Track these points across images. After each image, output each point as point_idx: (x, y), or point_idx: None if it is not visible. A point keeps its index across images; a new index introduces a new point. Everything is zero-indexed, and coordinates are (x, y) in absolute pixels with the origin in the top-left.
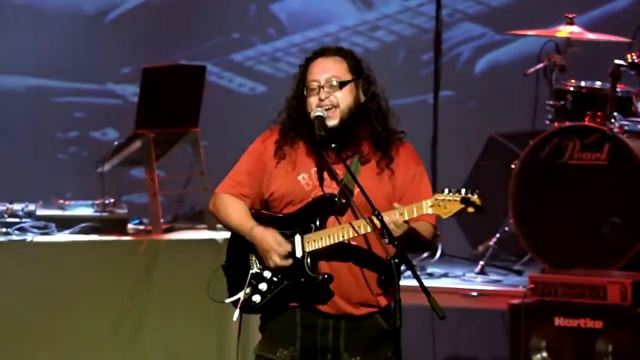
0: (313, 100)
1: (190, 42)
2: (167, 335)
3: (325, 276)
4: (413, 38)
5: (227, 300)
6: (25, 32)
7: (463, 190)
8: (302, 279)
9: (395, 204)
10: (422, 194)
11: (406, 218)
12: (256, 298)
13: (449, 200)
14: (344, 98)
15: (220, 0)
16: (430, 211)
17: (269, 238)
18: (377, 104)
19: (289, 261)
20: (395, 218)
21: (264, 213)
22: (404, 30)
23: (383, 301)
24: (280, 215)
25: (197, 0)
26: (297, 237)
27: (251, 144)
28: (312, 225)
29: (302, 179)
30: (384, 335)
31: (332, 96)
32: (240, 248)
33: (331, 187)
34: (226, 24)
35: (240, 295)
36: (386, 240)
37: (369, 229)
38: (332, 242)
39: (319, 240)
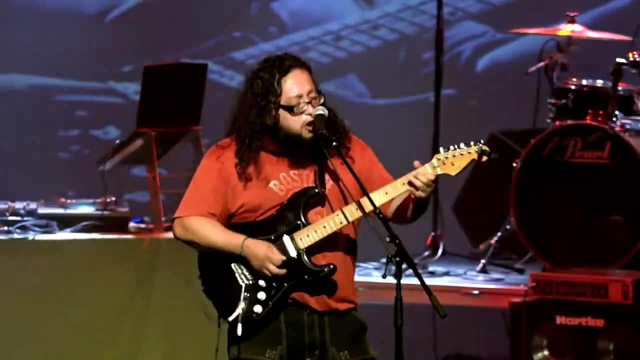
0: (298, 118)
1: (192, 41)
2: (168, 333)
3: (331, 267)
4: (414, 36)
5: (230, 319)
6: (26, 31)
7: (462, 144)
8: (306, 276)
9: (416, 162)
10: (384, 174)
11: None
12: (257, 308)
13: (455, 156)
14: (322, 107)
15: None
16: (439, 171)
17: (263, 249)
18: (332, 108)
19: (284, 271)
20: (428, 174)
21: (241, 222)
22: (406, 29)
23: (356, 298)
24: (259, 221)
25: None
26: (286, 238)
27: (203, 163)
28: (299, 223)
29: (274, 186)
30: (362, 330)
31: (315, 107)
32: (219, 266)
33: (309, 183)
34: (227, 22)
35: (239, 311)
36: (387, 239)
37: (360, 214)
38: (324, 235)
39: (312, 235)
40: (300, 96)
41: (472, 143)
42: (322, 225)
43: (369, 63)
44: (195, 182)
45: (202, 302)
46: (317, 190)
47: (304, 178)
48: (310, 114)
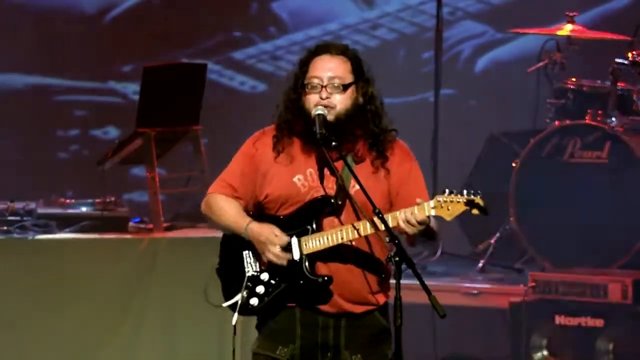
0: (312, 98)
1: (191, 40)
2: (167, 333)
3: (325, 278)
4: (414, 36)
5: (225, 305)
6: (26, 31)
7: (465, 192)
8: (302, 281)
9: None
10: (417, 190)
11: (409, 220)
12: (254, 301)
13: (452, 202)
14: (343, 101)
15: None
16: (433, 212)
17: (265, 230)
18: (374, 106)
19: (288, 255)
20: (422, 215)
21: (258, 215)
22: (405, 29)
23: (381, 299)
24: (276, 217)
25: None
26: (294, 239)
27: (242, 146)
28: (309, 228)
29: (298, 181)
30: (383, 333)
31: (332, 97)
32: (233, 250)
33: (329, 187)
34: (227, 22)
35: (238, 298)
36: (387, 239)
37: (368, 231)
38: (330, 244)
39: (316, 242)
40: (317, 77)
41: (471, 192)
42: (327, 235)
43: (368, 63)
44: (231, 162)
45: (206, 285)
46: (332, 201)
47: (328, 180)
48: (322, 98)
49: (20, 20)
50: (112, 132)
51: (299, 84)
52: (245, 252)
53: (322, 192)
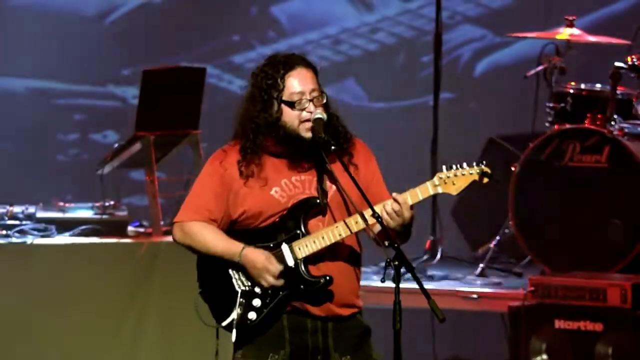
0: (297, 114)
1: (191, 44)
2: (166, 337)
3: (327, 278)
4: (413, 40)
5: (224, 324)
6: (25, 34)
7: (465, 164)
8: (302, 286)
9: (394, 194)
10: (381, 188)
11: (410, 203)
12: (252, 315)
13: (457, 176)
14: (322, 110)
15: (221, 2)
16: (440, 190)
17: (260, 259)
18: (336, 112)
19: (281, 281)
20: (401, 203)
21: (241, 229)
22: (404, 32)
23: (360, 302)
24: (260, 227)
25: (197, 2)
26: (285, 246)
27: (205, 168)
28: (299, 232)
29: (275, 193)
30: (366, 334)
31: (315, 109)
32: (217, 270)
33: (310, 191)
34: (226, 26)
35: (234, 316)
36: (386, 243)
37: (361, 226)
38: (323, 245)
39: (310, 245)
40: (302, 93)
41: (474, 164)
42: (321, 236)
43: (368, 67)
44: (196, 186)
45: (196, 306)
46: (317, 201)
47: (306, 185)
48: (310, 112)
49: (20, 23)
50: (111, 136)
51: (268, 98)
52: (230, 270)
53: (303, 197)
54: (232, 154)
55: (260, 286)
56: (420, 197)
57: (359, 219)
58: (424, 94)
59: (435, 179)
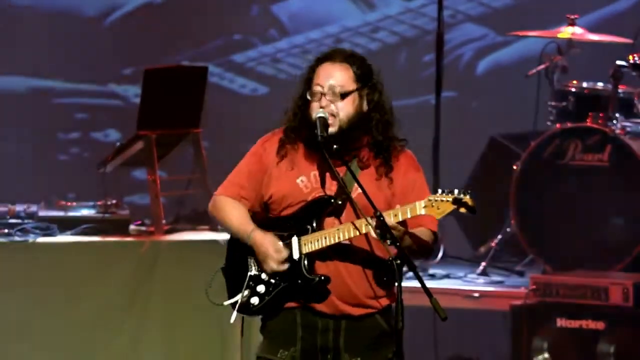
0: (315, 105)
1: (192, 43)
2: (169, 335)
3: (322, 277)
4: (415, 39)
5: (226, 303)
6: (26, 33)
7: (456, 191)
8: (299, 281)
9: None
10: (420, 199)
11: (400, 219)
12: (254, 300)
13: (442, 201)
14: (344, 108)
15: (222, 1)
16: (423, 212)
17: (267, 244)
18: (380, 113)
19: (286, 266)
20: (389, 220)
21: (261, 215)
22: (406, 32)
23: (384, 301)
24: (278, 217)
25: (198, 1)
26: (294, 239)
27: (252, 148)
28: (309, 227)
29: (301, 182)
30: (384, 335)
31: (333, 105)
32: (239, 250)
33: (331, 190)
34: (228, 25)
35: (238, 297)
36: (388, 242)
37: (364, 230)
38: (329, 243)
39: (315, 242)
40: (319, 86)
41: (462, 191)
42: (328, 234)
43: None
44: (240, 163)
45: (209, 283)
46: (332, 201)
47: (330, 183)
48: (322, 107)
49: (22, 22)
50: (113, 135)
51: (304, 91)
52: (249, 253)
53: (323, 193)
54: (276, 138)
55: (267, 273)
56: (409, 215)
57: (363, 225)
58: (426, 92)
59: (424, 201)
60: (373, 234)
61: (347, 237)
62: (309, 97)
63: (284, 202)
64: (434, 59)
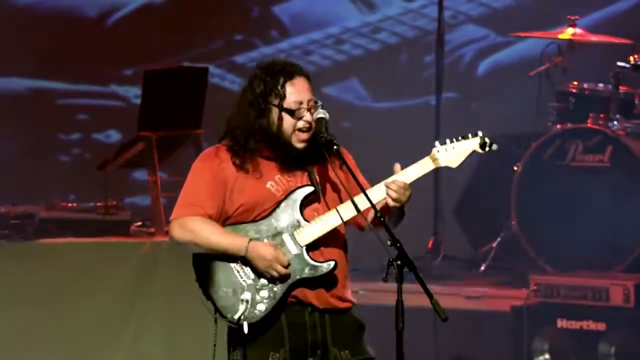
0: (293, 121)
1: (193, 44)
2: (169, 336)
3: (332, 263)
4: (415, 40)
5: (236, 317)
6: (27, 34)
7: (462, 137)
8: (307, 270)
9: (397, 168)
10: (364, 181)
11: (413, 179)
12: (260, 307)
13: (455, 148)
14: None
15: (223, 2)
16: (441, 163)
17: (269, 251)
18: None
19: (289, 270)
20: (400, 182)
21: (237, 223)
22: (407, 32)
23: (352, 297)
24: (257, 220)
25: (199, 2)
26: (285, 236)
27: (197, 165)
28: (298, 220)
29: (271, 186)
30: (362, 329)
31: (310, 117)
32: (218, 266)
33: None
34: (229, 26)
35: (242, 309)
36: (388, 242)
37: (361, 208)
38: (328, 229)
39: (312, 231)
40: (300, 102)
41: (470, 135)
42: (320, 223)
43: (370, 66)
44: (190, 183)
45: (204, 301)
46: (313, 188)
47: (299, 179)
48: (308, 122)
49: (23, 23)
50: (114, 136)
51: (264, 103)
52: (232, 265)
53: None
54: (224, 153)
55: (267, 277)
56: (422, 173)
57: (360, 201)
58: (426, 93)
59: (434, 152)
60: (391, 198)
61: (337, 223)
62: (285, 113)
63: (258, 208)
64: (434, 60)
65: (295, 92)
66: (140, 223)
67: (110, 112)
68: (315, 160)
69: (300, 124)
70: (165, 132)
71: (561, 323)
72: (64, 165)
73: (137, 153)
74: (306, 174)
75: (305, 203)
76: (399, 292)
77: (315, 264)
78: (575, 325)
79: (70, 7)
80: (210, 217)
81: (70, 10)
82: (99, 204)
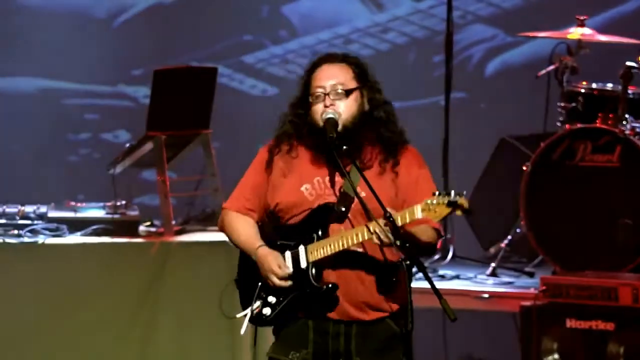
0: (318, 108)
1: (202, 44)
2: (179, 337)
3: (330, 285)
4: (424, 40)
5: (238, 315)
6: (36, 34)
7: (452, 193)
8: (308, 290)
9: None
10: (423, 198)
11: (399, 224)
12: (266, 311)
13: (438, 204)
14: (348, 107)
15: (232, 2)
16: (421, 215)
17: (270, 261)
18: (382, 111)
19: (289, 283)
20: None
21: (268, 225)
22: (415, 32)
23: (394, 305)
24: (284, 225)
25: (208, 2)
26: (301, 248)
27: (255, 157)
28: (315, 235)
29: (305, 190)
30: (395, 339)
31: (337, 104)
32: (250, 262)
33: (336, 194)
34: (238, 26)
35: (248, 310)
36: (397, 242)
37: (366, 237)
38: (334, 251)
39: (321, 250)
40: (320, 87)
41: (457, 193)
42: (337, 241)
43: (379, 66)
44: (245, 175)
45: (221, 295)
46: (336, 208)
47: (336, 186)
48: (326, 106)
49: (32, 24)
50: (123, 136)
51: (304, 95)
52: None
53: (330, 199)
54: (270, 148)
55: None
56: (407, 220)
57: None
58: (436, 93)
59: (422, 205)
60: (375, 240)
61: (351, 244)
62: (310, 101)
63: (290, 211)
64: (443, 60)
65: (317, 78)
66: (148, 223)
67: (119, 112)
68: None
69: (321, 108)
70: (174, 132)
71: (570, 323)
72: (73, 165)
73: (146, 153)
74: (344, 182)
75: (331, 218)
76: (408, 292)
77: (314, 284)
78: (583, 325)
79: (79, 7)
80: (251, 210)
81: (79, 10)
82: (107, 204)
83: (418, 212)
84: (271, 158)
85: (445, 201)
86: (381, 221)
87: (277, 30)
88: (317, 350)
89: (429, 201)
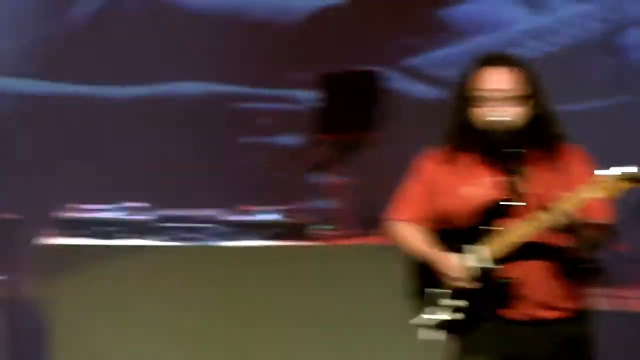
0: (483, 110)
1: (367, 48)
2: (361, 339)
3: (512, 280)
4: (589, 43)
5: (432, 320)
6: (202, 39)
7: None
8: (491, 288)
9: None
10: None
11: (572, 207)
12: (459, 315)
13: (610, 178)
14: (515, 112)
15: (395, 6)
16: (591, 195)
17: (453, 264)
18: (547, 114)
19: (475, 284)
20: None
21: (438, 230)
22: (580, 35)
23: (578, 304)
24: (455, 230)
25: (373, 6)
26: (476, 248)
27: (414, 164)
28: (487, 234)
29: (474, 192)
30: (578, 341)
31: (504, 108)
32: (426, 269)
33: (502, 194)
34: (401, 28)
35: (441, 316)
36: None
37: (546, 225)
38: (514, 245)
39: (501, 246)
40: (487, 90)
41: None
42: (511, 236)
43: (542, 70)
44: (405, 185)
45: (403, 307)
46: (506, 206)
47: (506, 187)
48: (493, 112)
49: (197, 29)
50: (293, 139)
51: (467, 97)
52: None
53: (499, 199)
54: (435, 152)
55: (450, 288)
56: (583, 196)
57: (543, 221)
58: (601, 97)
59: (592, 182)
60: (553, 226)
61: (531, 234)
62: (475, 103)
63: (459, 214)
64: (608, 63)
65: (484, 80)
66: (320, 226)
67: (288, 116)
68: (526, 160)
69: (485, 111)
70: (343, 135)
71: None
72: (243, 169)
73: (317, 156)
74: (511, 180)
75: (500, 215)
76: (591, 294)
77: (497, 280)
78: None
79: (245, 11)
80: (419, 219)
81: (245, 15)
82: (278, 208)
83: (591, 191)
84: (431, 165)
85: (619, 172)
86: (556, 209)
87: (439, 33)
88: (503, 353)
89: (599, 176)
